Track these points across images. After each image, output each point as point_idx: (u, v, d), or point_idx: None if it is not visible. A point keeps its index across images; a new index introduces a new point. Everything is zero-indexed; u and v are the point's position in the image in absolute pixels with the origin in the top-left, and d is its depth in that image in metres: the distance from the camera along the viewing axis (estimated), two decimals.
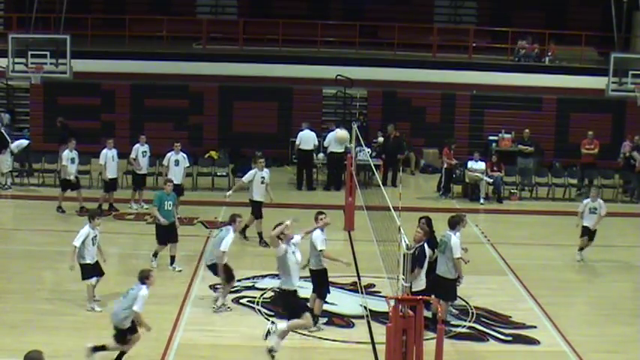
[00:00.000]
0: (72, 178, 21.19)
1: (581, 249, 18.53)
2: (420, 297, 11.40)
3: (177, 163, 20.95)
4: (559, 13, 32.41)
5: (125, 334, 12.19)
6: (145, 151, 21.99)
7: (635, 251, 19.40)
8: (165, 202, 16.66)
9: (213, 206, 21.92)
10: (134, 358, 12.68)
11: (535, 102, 28.36)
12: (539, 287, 16.55)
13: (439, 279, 13.93)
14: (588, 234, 18.43)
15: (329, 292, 14.34)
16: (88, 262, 14.33)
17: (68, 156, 21.28)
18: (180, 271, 16.64)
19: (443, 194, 24.17)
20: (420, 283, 13.29)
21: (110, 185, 21.43)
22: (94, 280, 14.48)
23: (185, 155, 21.20)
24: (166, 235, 16.63)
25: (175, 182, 19.01)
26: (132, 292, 12.12)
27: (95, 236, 14.44)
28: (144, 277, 12.20)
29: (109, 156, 21.26)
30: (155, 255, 16.75)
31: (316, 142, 24.73)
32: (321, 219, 14.11)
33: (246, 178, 19.04)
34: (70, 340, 13.07)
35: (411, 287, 12.62)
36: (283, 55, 28.99)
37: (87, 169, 23.95)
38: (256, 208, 18.91)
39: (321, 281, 14.20)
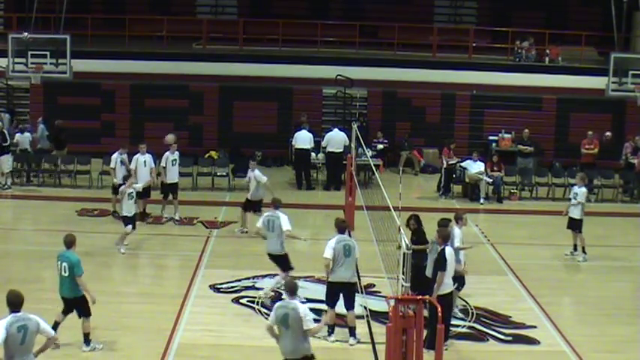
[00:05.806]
0: (117, 181, 20.25)
1: (574, 247, 18.55)
2: (420, 297, 11.38)
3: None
4: (559, 13, 32.36)
5: None
6: (175, 160, 20.67)
7: (635, 251, 19.37)
8: None
9: (213, 206, 21.91)
10: (134, 357, 12.69)
11: (535, 102, 28.32)
12: (539, 287, 16.54)
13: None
14: (572, 225, 18.37)
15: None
16: None
17: (117, 158, 20.42)
18: None
19: (443, 194, 24.16)
20: (446, 287, 13.02)
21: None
22: None
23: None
24: None
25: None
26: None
27: None
28: None
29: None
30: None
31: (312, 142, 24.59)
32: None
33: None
34: (69, 340, 13.05)
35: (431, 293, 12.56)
36: (283, 55, 28.94)
37: (87, 169, 23.99)
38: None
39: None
